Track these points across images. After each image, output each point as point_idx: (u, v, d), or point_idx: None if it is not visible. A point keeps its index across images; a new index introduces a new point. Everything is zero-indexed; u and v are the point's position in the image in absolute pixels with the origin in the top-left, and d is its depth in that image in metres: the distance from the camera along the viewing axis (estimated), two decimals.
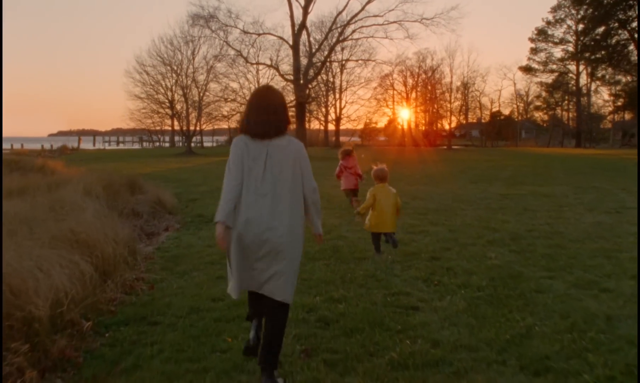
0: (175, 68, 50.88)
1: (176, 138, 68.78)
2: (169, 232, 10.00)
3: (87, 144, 79.90)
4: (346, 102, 70.81)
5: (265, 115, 3.68)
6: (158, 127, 65.64)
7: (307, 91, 40.53)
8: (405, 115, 74.11)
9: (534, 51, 74.02)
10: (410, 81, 72.14)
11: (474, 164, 30.39)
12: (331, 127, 72.37)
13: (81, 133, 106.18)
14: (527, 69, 74.87)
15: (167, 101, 53.01)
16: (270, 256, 3.61)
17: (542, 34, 72.83)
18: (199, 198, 14.45)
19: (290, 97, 39.83)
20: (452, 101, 64.49)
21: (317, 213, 3.88)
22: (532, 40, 73.88)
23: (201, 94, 50.45)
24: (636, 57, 56.54)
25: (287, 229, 3.60)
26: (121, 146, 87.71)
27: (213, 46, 45.32)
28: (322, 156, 37.04)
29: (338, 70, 65.80)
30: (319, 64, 40.25)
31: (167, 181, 18.66)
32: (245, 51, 40.93)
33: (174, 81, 51.88)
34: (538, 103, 78.99)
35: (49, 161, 25.34)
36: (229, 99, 45.40)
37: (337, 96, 69.32)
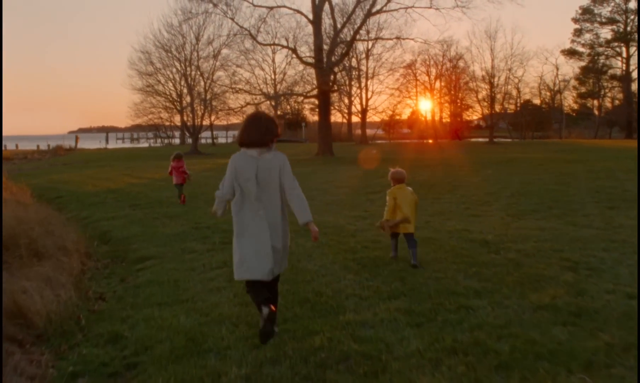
0: (176, 54, 45.60)
1: (186, 135, 63.66)
2: None
3: (95, 143, 75.39)
4: (372, 92, 64.98)
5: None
6: (168, 123, 59.58)
7: (332, 77, 34.62)
8: (429, 106, 69.95)
9: (578, 32, 67.47)
10: (433, 71, 67.97)
11: (562, 167, 21.91)
12: (355, 119, 66.86)
13: (101, 130, 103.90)
14: (570, 53, 68.32)
15: (170, 92, 47.60)
16: None
17: (587, 13, 66.24)
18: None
19: (306, 86, 34.30)
20: (495, 85, 58.04)
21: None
22: (575, 20, 67.40)
23: (207, 85, 44.91)
24: None
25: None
26: (133, 145, 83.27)
27: (219, 28, 39.91)
28: (351, 157, 31.00)
29: (363, 56, 60.00)
30: (345, 43, 33.73)
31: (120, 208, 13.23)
32: (260, 36, 35.32)
33: (175, 69, 46.59)
34: (583, 90, 72.10)
35: None
36: (237, 89, 39.52)
37: (363, 84, 63.51)
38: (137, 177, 22.03)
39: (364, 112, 63.90)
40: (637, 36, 42.90)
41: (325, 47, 32.45)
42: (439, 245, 8.52)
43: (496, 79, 58.41)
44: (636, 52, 64.29)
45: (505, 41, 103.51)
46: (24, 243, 7.10)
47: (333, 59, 32.80)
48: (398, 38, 35.86)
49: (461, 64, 65.47)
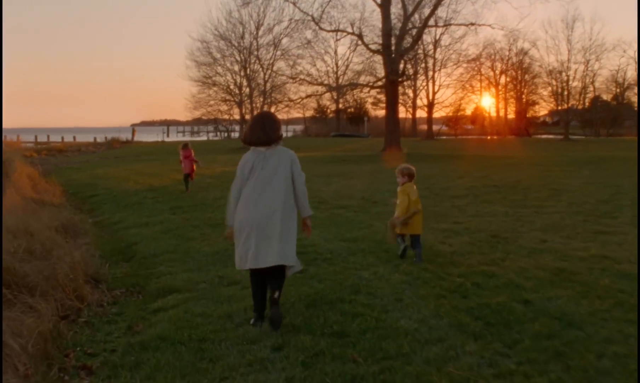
0: (235, 44, 43.62)
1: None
2: None
3: (155, 136, 75.22)
4: (439, 86, 61.47)
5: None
6: (227, 117, 57.64)
7: (401, 66, 31.70)
8: (493, 102, 68.72)
9: None
10: (498, 65, 65.97)
11: None
12: (420, 114, 63.67)
13: (163, 123, 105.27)
14: None
15: (229, 84, 45.70)
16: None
17: None
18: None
19: (371, 78, 31.37)
20: (571, 79, 53.77)
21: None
22: None
23: (267, 76, 42.71)
24: None
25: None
26: (193, 138, 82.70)
27: (280, 13, 37.65)
28: (421, 154, 28.09)
29: (430, 47, 56.61)
30: (417, 28, 30.61)
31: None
32: (323, 23, 32.77)
33: (233, 60, 44.60)
34: None
35: (27, 167, 18.53)
36: (299, 79, 36.92)
37: (430, 76, 60.13)
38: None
39: (430, 106, 60.52)
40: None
41: (394, 33, 29.64)
42: (584, 283, 5.88)
43: (572, 71, 54.16)
44: None
45: (584, 31, 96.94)
46: None
47: (403, 46, 29.94)
48: (473, 24, 32.51)
49: (527, 59, 62.87)
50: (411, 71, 38.87)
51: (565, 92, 55.22)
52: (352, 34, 32.18)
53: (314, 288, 5.83)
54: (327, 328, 4.67)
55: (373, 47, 32.59)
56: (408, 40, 30.92)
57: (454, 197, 12.93)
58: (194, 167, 14.78)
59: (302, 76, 39.07)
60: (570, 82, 54.26)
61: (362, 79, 42.91)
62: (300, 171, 4.85)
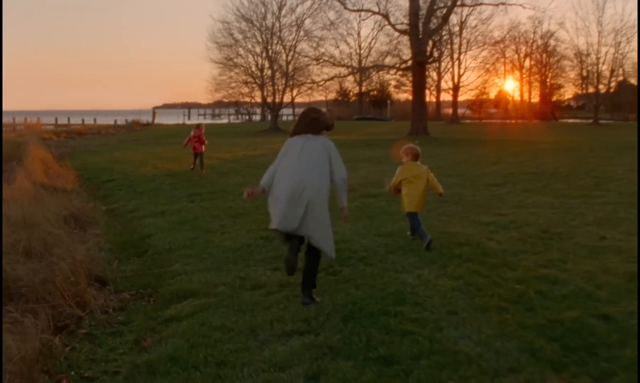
0: (257, 24, 42.60)
1: (266, 111, 61.27)
2: None
3: (176, 119, 74.85)
4: (465, 68, 59.90)
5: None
6: (248, 99, 56.47)
7: (429, 47, 30.49)
8: (516, 85, 68.13)
9: None
10: (523, 48, 65.09)
11: None
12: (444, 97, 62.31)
13: (184, 106, 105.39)
14: None
15: (250, 65, 44.72)
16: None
17: None
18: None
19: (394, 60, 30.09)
20: (601, 63, 51.92)
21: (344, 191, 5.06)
22: None
23: (289, 57, 41.60)
24: None
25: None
26: (214, 121, 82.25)
27: None
28: (448, 138, 27.07)
29: (456, 28, 54.99)
30: (446, 7, 29.25)
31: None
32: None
33: (255, 40, 43.58)
34: None
35: (41, 150, 17.99)
36: (323, 60, 35.73)
37: (456, 58, 58.56)
38: (205, 157, 19.36)
39: (455, 89, 58.98)
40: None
41: (422, 13, 28.42)
42: None
43: (602, 54, 52.32)
44: None
45: (615, 12, 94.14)
46: None
47: (430, 26, 28.72)
48: (503, 3, 31.14)
49: (552, 42, 61.66)
50: (436, 53, 37.37)
51: (595, 75, 53.35)
52: (378, 13, 30.93)
53: (351, 295, 5.02)
54: (371, 351, 3.87)
55: (400, 27, 31.32)
56: (434, 21, 29.68)
57: (491, 185, 12.01)
58: (204, 148, 15.10)
59: (325, 57, 37.93)
60: (599, 66, 52.41)
61: (387, 61, 41.57)
62: (341, 163, 5.00)
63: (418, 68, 28.86)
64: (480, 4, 32.64)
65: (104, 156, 20.19)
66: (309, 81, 39.76)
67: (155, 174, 14.58)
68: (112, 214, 9.84)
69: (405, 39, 35.66)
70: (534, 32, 63.34)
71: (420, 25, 28.53)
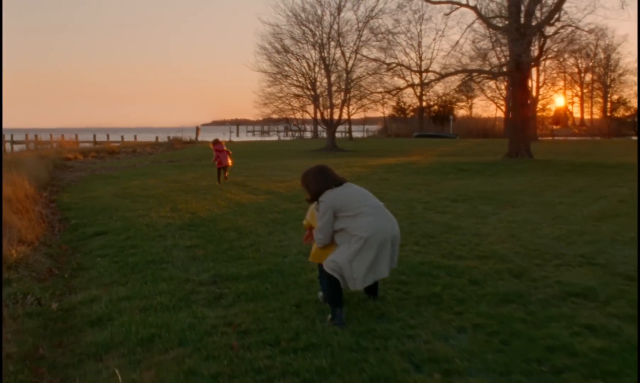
0: (311, 28, 37.22)
1: (319, 128, 55.75)
2: None
3: (219, 136, 70.49)
4: (545, 79, 53.14)
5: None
6: (299, 114, 50.96)
7: (542, 43, 24.40)
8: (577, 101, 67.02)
9: None
10: (582, 62, 62.81)
11: None
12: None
13: (233, 123, 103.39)
14: None
15: (303, 73, 39.16)
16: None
17: None
18: None
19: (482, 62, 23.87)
20: None
21: None
22: None
23: (348, 65, 35.86)
24: None
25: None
26: (262, 138, 77.73)
27: None
28: (560, 160, 21.13)
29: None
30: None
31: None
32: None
33: (309, 45, 38.13)
34: None
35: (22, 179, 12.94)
36: (392, 66, 29.86)
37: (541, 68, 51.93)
38: (250, 190, 13.90)
39: (534, 101, 52.23)
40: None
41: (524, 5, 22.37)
42: None
43: None
44: None
45: None
46: None
47: (532, 23, 22.70)
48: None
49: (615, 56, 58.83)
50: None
51: None
52: (467, 6, 24.79)
53: None
54: None
55: (496, 22, 25.02)
56: (536, 16, 23.63)
57: None
58: (229, 160, 15.22)
59: (394, 63, 32.01)
60: None
61: (472, 66, 35.05)
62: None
63: (517, 72, 22.79)
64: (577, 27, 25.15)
65: (117, 186, 15.05)
66: (380, 89, 33.43)
67: (169, 223, 9.20)
68: (54, 331, 4.46)
69: (486, 40, 29.83)
70: (596, 45, 58.30)
71: (522, 17, 22.48)
